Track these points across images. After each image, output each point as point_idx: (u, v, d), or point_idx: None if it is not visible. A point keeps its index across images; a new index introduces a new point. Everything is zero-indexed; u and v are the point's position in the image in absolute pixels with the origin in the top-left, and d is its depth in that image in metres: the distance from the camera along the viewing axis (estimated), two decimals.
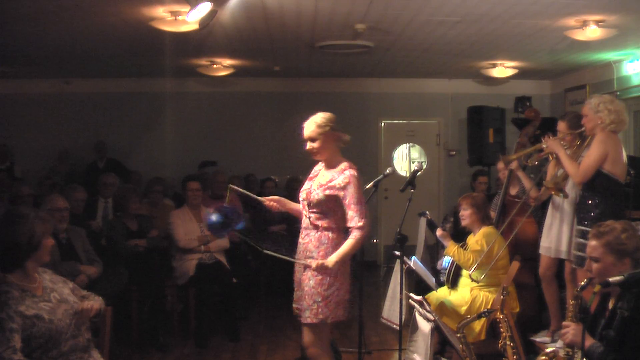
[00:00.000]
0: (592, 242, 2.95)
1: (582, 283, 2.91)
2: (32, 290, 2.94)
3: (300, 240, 3.84)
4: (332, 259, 3.65)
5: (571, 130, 4.65)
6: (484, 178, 7.44)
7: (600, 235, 2.93)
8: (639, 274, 2.71)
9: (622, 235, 2.89)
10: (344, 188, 3.66)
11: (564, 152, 4.44)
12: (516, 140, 5.85)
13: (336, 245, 3.70)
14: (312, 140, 3.73)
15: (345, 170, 3.71)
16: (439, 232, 4.94)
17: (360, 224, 3.63)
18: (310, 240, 3.75)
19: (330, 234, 3.72)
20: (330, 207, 3.70)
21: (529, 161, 5.04)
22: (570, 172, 4.38)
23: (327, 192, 3.68)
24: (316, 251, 3.71)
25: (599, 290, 2.80)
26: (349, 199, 3.64)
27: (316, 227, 3.73)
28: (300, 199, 3.84)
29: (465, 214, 4.90)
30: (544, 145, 4.66)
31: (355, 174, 3.70)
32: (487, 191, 7.20)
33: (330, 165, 3.79)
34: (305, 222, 3.82)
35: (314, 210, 3.74)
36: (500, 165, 5.66)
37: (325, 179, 3.74)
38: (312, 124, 3.73)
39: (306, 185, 3.87)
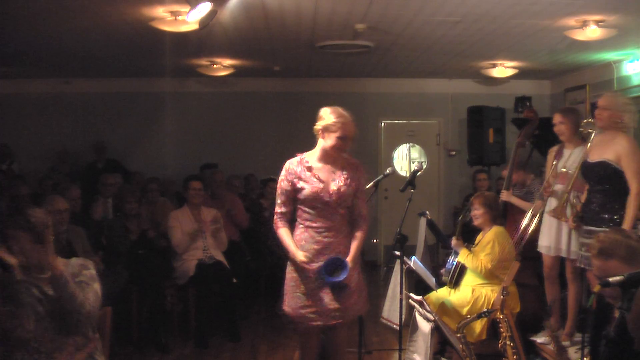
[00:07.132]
0: (609, 263, 2.85)
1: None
2: (40, 280, 2.95)
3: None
4: None
5: (565, 121, 4.66)
6: (484, 175, 7.46)
7: (607, 252, 2.84)
8: (639, 274, 2.71)
9: (632, 242, 2.84)
10: None
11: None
12: (515, 140, 5.86)
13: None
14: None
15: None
16: (453, 241, 4.95)
17: None
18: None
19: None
20: None
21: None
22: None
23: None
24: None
25: (599, 290, 2.80)
26: None
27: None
28: None
29: (478, 214, 4.93)
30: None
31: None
32: (487, 189, 7.21)
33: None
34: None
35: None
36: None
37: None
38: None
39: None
